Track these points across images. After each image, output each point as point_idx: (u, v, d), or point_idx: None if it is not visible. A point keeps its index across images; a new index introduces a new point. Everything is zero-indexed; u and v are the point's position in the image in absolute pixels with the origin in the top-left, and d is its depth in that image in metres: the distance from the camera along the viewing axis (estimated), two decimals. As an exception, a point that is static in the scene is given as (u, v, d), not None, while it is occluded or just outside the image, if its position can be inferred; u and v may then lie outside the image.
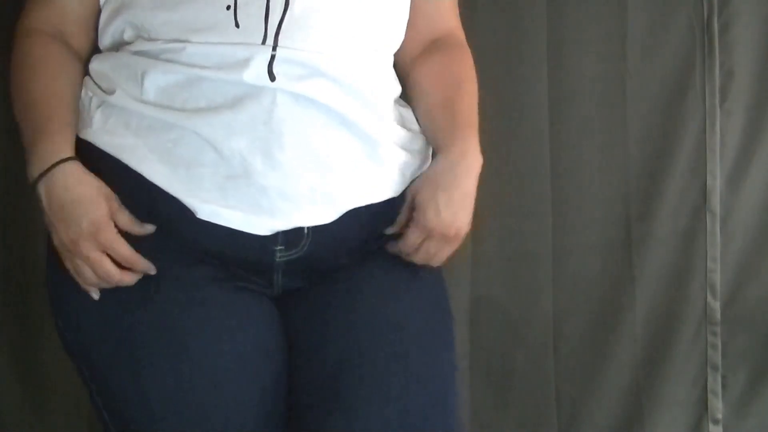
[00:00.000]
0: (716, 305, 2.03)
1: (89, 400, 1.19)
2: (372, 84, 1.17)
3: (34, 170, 1.11)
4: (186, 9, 1.11)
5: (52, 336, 1.98)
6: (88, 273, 1.10)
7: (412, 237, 1.19)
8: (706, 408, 2.05)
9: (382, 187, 1.19)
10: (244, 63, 1.08)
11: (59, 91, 1.16)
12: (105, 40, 1.21)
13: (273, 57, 1.09)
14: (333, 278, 1.20)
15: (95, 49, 1.25)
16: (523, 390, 2.06)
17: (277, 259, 1.14)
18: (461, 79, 1.28)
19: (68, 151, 1.12)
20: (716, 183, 2.01)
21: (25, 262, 1.98)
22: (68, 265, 1.12)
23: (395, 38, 1.25)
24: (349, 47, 1.15)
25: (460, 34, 1.35)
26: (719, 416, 2.04)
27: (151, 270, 1.11)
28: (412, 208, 1.20)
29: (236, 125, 1.09)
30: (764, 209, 2.03)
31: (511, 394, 2.06)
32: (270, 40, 1.09)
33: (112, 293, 1.12)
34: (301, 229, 1.13)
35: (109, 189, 1.11)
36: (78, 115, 1.17)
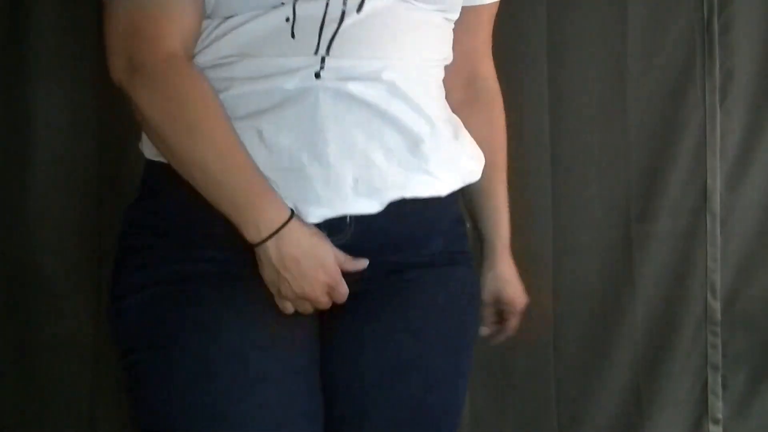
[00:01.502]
0: (716, 305, 2.03)
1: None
2: (419, 89, 1.22)
3: (263, 231, 1.13)
4: (254, 21, 1.15)
5: (52, 336, 1.99)
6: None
7: (516, 322, 1.50)
8: (706, 408, 2.05)
9: (425, 183, 1.23)
10: (295, 71, 1.15)
11: (238, 138, 1.16)
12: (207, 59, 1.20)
13: (322, 67, 1.15)
14: (376, 294, 1.26)
15: None
16: (523, 390, 2.06)
17: None
18: (495, 149, 1.43)
19: (288, 207, 1.15)
20: (716, 183, 2.01)
21: (25, 263, 1.98)
22: (282, 297, 1.18)
23: (444, 58, 1.30)
24: (397, 58, 1.20)
25: (492, 70, 1.45)
26: (719, 416, 2.05)
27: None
28: (499, 306, 1.48)
29: (283, 123, 1.15)
30: (764, 209, 2.03)
31: (511, 394, 2.06)
32: (322, 51, 1.15)
33: (151, 276, 1.19)
34: (344, 217, 1.18)
35: (321, 232, 1.17)
36: None
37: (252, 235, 1.14)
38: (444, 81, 1.31)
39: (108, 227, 1.91)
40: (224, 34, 1.17)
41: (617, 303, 2.04)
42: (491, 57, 1.43)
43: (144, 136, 1.23)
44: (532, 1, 2.00)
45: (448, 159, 1.26)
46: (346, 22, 1.15)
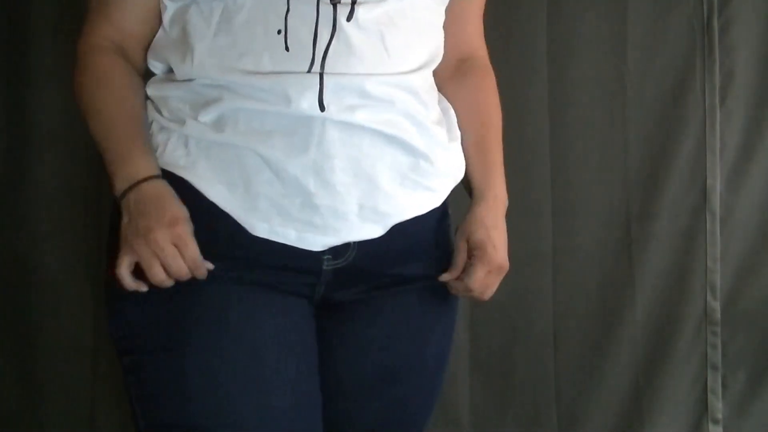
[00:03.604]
0: (716, 305, 2.03)
1: (127, 400, 1.21)
2: (416, 101, 1.23)
3: (125, 183, 1.17)
4: (242, 33, 1.17)
5: (52, 336, 1.99)
6: (156, 267, 1.14)
7: (480, 273, 1.29)
8: (706, 408, 2.05)
9: (427, 199, 1.25)
10: (297, 95, 1.14)
11: (134, 108, 1.22)
12: (163, 67, 1.26)
13: (322, 86, 1.15)
14: (371, 306, 1.28)
15: (148, 73, 1.29)
16: (523, 390, 2.06)
17: (325, 267, 1.20)
18: (489, 112, 1.38)
19: (156, 169, 1.18)
20: (716, 183, 2.01)
21: (25, 263, 1.98)
22: (136, 256, 1.15)
23: (435, 56, 1.30)
24: (393, 67, 1.20)
25: (485, 54, 1.43)
26: (719, 416, 2.05)
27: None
28: (467, 252, 1.30)
29: (290, 149, 1.15)
30: (764, 209, 2.03)
31: (511, 394, 2.06)
32: (317, 66, 1.15)
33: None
34: (348, 243, 1.20)
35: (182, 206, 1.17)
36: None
37: (117, 188, 1.17)
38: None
39: (108, 227, 1.92)
40: (215, 36, 1.17)
41: (617, 303, 2.04)
42: (484, 43, 1.43)
43: None
44: (532, 1, 2.00)
45: (445, 167, 1.27)
46: (338, 33, 1.16)
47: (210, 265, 1.15)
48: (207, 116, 1.17)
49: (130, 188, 1.16)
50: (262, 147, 1.15)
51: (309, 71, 1.15)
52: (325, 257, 1.19)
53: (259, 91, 1.15)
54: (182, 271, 1.14)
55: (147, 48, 1.27)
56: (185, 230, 1.14)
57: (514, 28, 2.00)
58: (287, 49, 1.15)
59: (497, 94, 1.40)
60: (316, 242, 1.18)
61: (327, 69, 1.15)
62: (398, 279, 1.26)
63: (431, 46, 1.28)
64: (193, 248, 1.14)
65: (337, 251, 1.20)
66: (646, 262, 2.03)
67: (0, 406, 2.01)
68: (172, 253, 1.13)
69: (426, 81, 1.27)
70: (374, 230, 1.20)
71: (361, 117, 1.16)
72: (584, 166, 2.03)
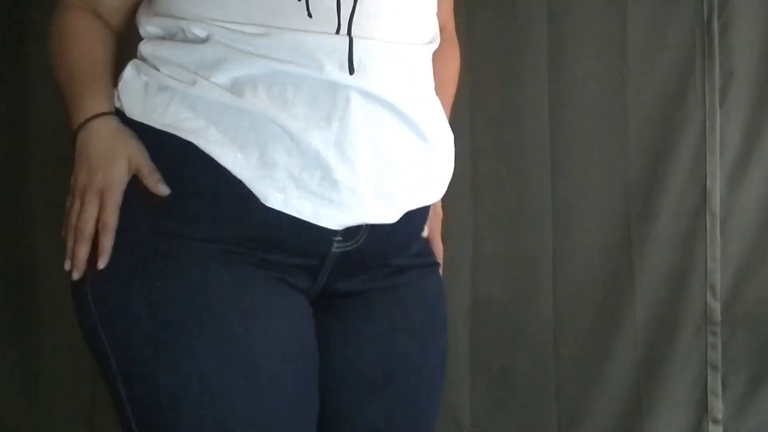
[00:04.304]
0: (716, 305, 2.03)
1: (111, 395, 1.17)
2: (427, 78, 1.22)
3: (74, 122, 1.18)
4: (256, 1, 1.13)
5: (52, 336, 1.99)
6: (74, 216, 1.17)
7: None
8: (706, 408, 2.05)
9: (432, 189, 1.25)
10: (324, 57, 1.11)
11: (98, 57, 1.22)
12: (158, 30, 1.22)
13: (351, 48, 1.12)
14: (367, 302, 1.26)
15: (137, 34, 1.25)
16: (523, 390, 2.06)
17: (333, 249, 1.17)
18: (445, 80, 1.37)
19: (107, 107, 1.17)
20: (716, 183, 2.01)
21: (25, 263, 1.99)
22: (70, 204, 1.18)
23: (436, 37, 1.28)
24: (413, 38, 1.19)
25: (453, 27, 1.43)
26: (719, 416, 2.05)
27: (102, 262, 1.16)
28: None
29: (312, 120, 1.11)
30: (764, 209, 2.03)
31: (511, 394, 2.06)
32: (344, 30, 1.12)
33: (155, 279, 1.13)
34: (360, 225, 1.17)
35: (138, 144, 1.15)
36: (112, 78, 1.22)
37: (70, 130, 1.17)
38: None
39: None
40: (235, 9, 1.13)
41: (617, 303, 2.04)
42: (453, 17, 1.43)
43: (120, 86, 1.19)
44: (532, 1, 2.00)
45: (449, 158, 1.26)
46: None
47: (104, 255, 1.15)
48: (220, 78, 1.12)
49: (81, 126, 1.16)
50: (282, 116, 1.11)
51: (337, 33, 1.12)
52: (336, 238, 1.16)
53: (279, 52, 1.11)
54: (86, 233, 1.15)
55: (126, 13, 1.25)
56: (112, 197, 1.13)
57: (515, 28, 2.00)
58: (310, 15, 1.12)
59: (458, 66, 1.43)
60: (332, 220, 1.14)
61: (355, 33, 1.12)
62: (394, 269, 1.26)
63: (434, 25, 1.27)
64: (110, 217, 1.13)
65: (348, 233, 1.17)
66: (646, 263, 2.03)
67: (0, 406, 2.02)
68: (89, 216, 1.14)
69: (430, 68, 1.26)
70: (388, 214, 1.18)
71: (386, 89, 1.14)
72: (584, 166, 2.03)
